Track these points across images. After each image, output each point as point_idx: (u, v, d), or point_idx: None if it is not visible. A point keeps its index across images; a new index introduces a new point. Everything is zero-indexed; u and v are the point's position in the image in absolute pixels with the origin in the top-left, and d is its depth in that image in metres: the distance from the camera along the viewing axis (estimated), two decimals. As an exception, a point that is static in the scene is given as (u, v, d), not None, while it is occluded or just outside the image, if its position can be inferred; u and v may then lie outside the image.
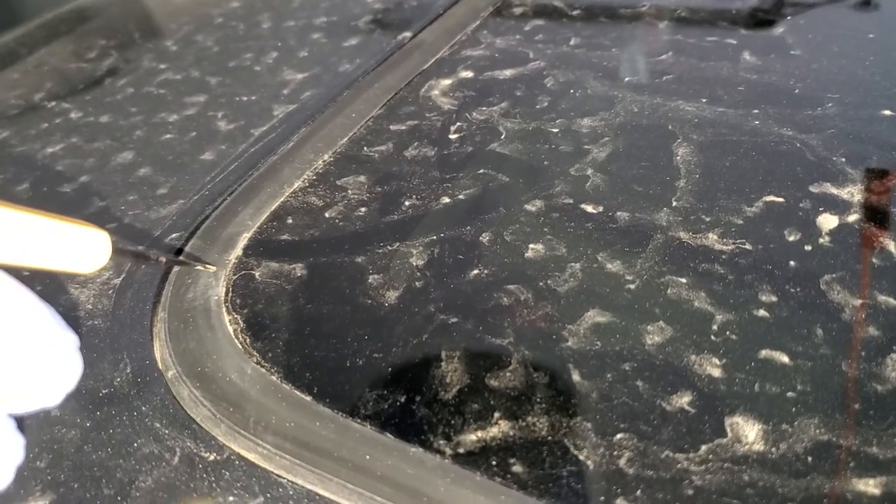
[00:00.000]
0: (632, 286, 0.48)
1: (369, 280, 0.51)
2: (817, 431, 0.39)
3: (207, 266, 0.52)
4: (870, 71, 0.66)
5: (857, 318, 0.44)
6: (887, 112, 0.60)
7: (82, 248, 0.38)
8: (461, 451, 0.40)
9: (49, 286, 0.55)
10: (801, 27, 0.75)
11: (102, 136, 0.72)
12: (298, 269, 0.53)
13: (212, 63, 0.82)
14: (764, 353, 0.43)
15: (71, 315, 0.52)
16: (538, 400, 0.42)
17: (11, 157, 0.71)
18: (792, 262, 0.48)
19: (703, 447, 0.39)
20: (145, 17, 1.01)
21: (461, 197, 0.58)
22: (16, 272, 0.36)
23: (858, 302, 0.45)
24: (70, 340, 0.36)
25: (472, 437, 0.40)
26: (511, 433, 0.40)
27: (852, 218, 0.51)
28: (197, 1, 1.00)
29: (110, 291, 0.53)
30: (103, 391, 0.46)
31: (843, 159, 0.56)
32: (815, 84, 0.65)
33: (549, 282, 0.49)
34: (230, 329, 0.48)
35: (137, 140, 0.70)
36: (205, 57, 0.84)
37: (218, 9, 0.95)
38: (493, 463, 0.39)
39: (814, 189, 0.54)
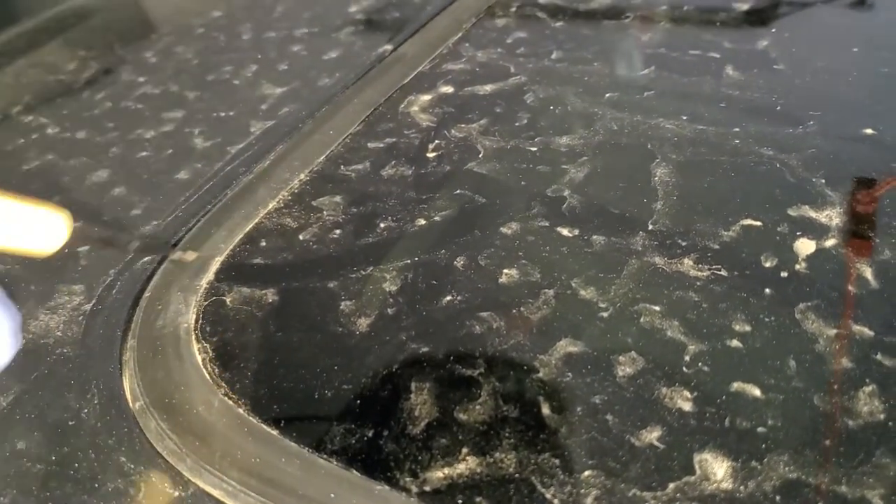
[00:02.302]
0: (605, 314, 0.48)
1: (341, 306, 0.51)
2: (786, 469, 0.38)
3: (183, 257, 0.52)
4: (853, 87, 0.66)
5: (830, 349, 0.44)
6: (868, 131, 0.60)
7: (40, 228, 0.38)
8: (427, 488, 0.39)
9: (19, 311, 0.54)
10: (785, 41, 0.74)
11: (78, 153, 0.71)
12: (270, 295, 0.52)
13: (191, 76, 0.81)
14: (736, 385, 0.42)
15: (40, 343, 0.51)
16: (507, 435, 0.41)
17: (-13, 173, 0.71)
18: (767, 290, 0.48)
19: (671, 485, 0.38)
20: (127, 26, 1.00)
21: (437, 219, 0.57)
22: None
23: (833, 332, 0.45)
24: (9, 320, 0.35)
25: (438, 474, 0.40)
26: (478, 470, 0.40)
27: (830, 243, 0.50)
28: (179, 10, 0.99)
29: (80, 318, 0.53)
30: (70, 423, 0.46)
31: (823, 181, 0.55)
32: (797, 101, 0.64)
33: (521, 309, 0.49)
34: (199, 358, 0.48)
35: (113, 158, 0.70)
36: (184, 69, 0.83)
37: (200, 19, 0.94)
38: (460, 501, 0.39)
39: (792, 212, 0.53)
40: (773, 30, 0.76)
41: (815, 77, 0.68)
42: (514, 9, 0.85)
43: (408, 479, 0.40)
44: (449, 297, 0.50)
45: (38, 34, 0.97)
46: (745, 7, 0.81)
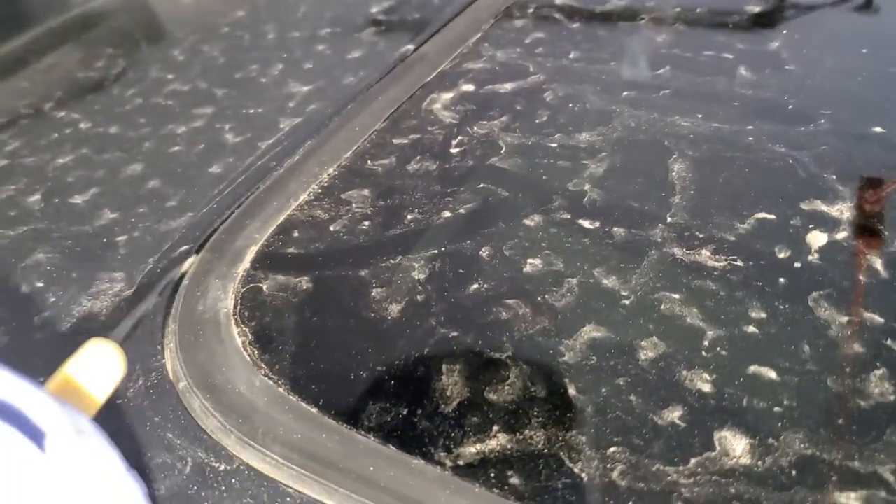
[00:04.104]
0: (627, 302, 0.50)
1: (373, 293, 0.53)
2: (802, 446, 0.40)
3: None
4: (862, 87, 0.68)
5: (842, 334, 0.46)
6: (878, 129, 0.62)
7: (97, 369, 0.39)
8: (461, 463, 0.42)
9: (62, 297, 0.57)
10: (796, 42, 0.76)
11: (112, 148, 0.74)
12: (304, 283, 0.54)
13: (218, 74, 0.84)
14: (752, 368, 0.45)
15: (84, 327, 0.54)
16: (535, 414, 0.44)
17: (23, 167, 0.73)
18: (781, 279, 0.50)
19: (693, 460, 0.40)
20: (151, 24, 1.03)
21: (462, 211, 0.59)
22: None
23: (844, 319, 0.47)
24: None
25: (471, 450, 0.42)
26: (509, 446, 0.42)
27: (841, 235, 0.53)
28: (202, 10, 1.02)
29: (122, 303, 0.55)
30: (117, 402, 0.48)
31: (834, 176, 0.57)
32: (808, 100, 0.67)
33: (546, 297, 0.51)
34: (239, 341, 0.50)
35: (146, 152, 0.72)
36: (211, 68, 0.86)
37: (223, 18, 0.97)
38: (492, 475, 0.41)
39: (804, 206, 0.55)
40: (784, 31, 0.78)
41: (825, 77, 0.70)
42: (531, 10, 0.87)
43: (442, 454, 0.42)
44: (476, 286, 0.52)
45: (64, 32, 1.00)
46: (756, 9, 0.83)
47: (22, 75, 0.92)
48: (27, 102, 0.85)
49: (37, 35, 1.01)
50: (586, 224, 0.56)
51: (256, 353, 0.49)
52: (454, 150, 0.66)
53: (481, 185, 0.62)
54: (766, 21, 0.82)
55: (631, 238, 0.54)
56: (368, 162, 0.66)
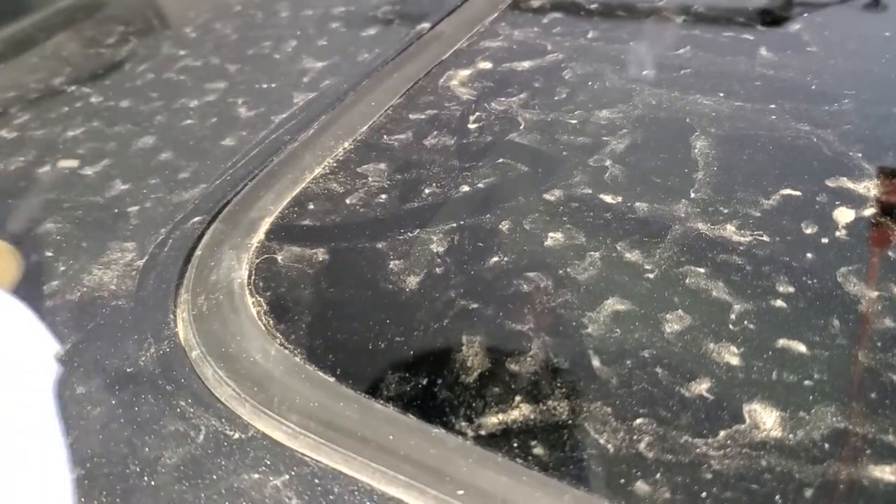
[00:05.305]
0: (650, 275, 0.49)
1: (390, 266, 0.52)
2: (834, 419, 0.39)
3: None
4: (886, 68, 0.67)
5: (872, 309, 0.45)
6: (903, 109, 0.61)
7: None
8: (483, 432, 0.41)
9: (73, 266, 0.56)
10: (817, 24, 0.75)
11: (123, 121, 0.73)
12: (320, 254, 0.53)
13: (231, 50, 0.83)
14: (781, 342, 0.43)
15: (95, 295, 0.53)
16: (558, 385, 0.43)
17: (33, 139, 0.72)
18: (809, 255, 0.49)
19: (722, 433, 0.39)
20: (163, 3, 1.02)
21: (480, 186, 0.58)
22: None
23: (874, 294, 0.46)
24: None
25: (493, 420, 0.41)
26: (532, 416, 0.41)
27: (868, 212, 0.51)
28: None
29: (133, 273, 0.54)
30: (128, 370, 0.47)
31: (860, 154, 0.56)
32: (831, 80, 0.66)
33: (568, 270, 0.50)
34: (253, 311, 0.49)
35: (158, 125, 0.71)
36: (224, 44, 0.85)
37: (236, -3, 0.96)
38: (515, 445, 0.40)
39: (830, 183, 0.54)
40: (805, 14, 0.77)
41: (848, 58, 0.69)
42: (548, -10, 0.86)
43: (463, 423, 0.41)
44: (496, 258, 0.51)
45: (76, 10, 0.99)
46: (763, 3, 0.82)
47: (33, 52, 0.91)
48: (37, 77, 0.84)
49: (48, 13, 1.00)
50: (608, 199, 0.55)
51: (272, 322, 0.48)
52: (472, 126, 0.65)
53: (500, 161, 0.61)
54: (769, 20, 0.80)
55: (654, 213, 0.53)
56: (384, 136, 0.65)
